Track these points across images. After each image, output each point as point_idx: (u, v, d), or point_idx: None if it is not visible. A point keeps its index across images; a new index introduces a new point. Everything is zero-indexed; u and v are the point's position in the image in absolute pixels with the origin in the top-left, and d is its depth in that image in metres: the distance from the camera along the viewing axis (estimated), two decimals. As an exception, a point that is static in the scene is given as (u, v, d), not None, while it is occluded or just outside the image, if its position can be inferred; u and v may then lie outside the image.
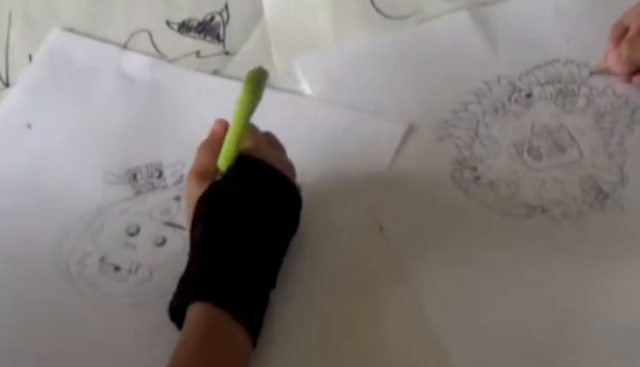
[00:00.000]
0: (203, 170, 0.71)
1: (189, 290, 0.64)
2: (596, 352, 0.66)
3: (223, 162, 0.70)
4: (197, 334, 0.62)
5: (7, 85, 0.85)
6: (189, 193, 0.70)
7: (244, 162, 0.70)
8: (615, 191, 0.74)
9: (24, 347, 0.68)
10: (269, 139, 0.73)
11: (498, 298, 0.69)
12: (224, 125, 0.73)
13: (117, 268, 0.72)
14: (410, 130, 0.79)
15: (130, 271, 0.72)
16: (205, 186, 0.69)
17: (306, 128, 0.75)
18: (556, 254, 0.72)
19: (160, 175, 0.78)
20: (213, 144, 0.72)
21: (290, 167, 0.72)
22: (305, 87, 0.83)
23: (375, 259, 0.72)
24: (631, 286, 0.69)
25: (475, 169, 0.77)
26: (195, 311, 0.63)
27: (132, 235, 0.74)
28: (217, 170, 0.70)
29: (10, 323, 0.69)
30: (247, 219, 0.67)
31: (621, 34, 0.79)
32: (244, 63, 0.86)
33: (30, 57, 0.86)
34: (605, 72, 0.80)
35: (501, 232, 0.73)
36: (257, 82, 0.69)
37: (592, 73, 0.80)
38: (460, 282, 0.70)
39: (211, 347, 0.61)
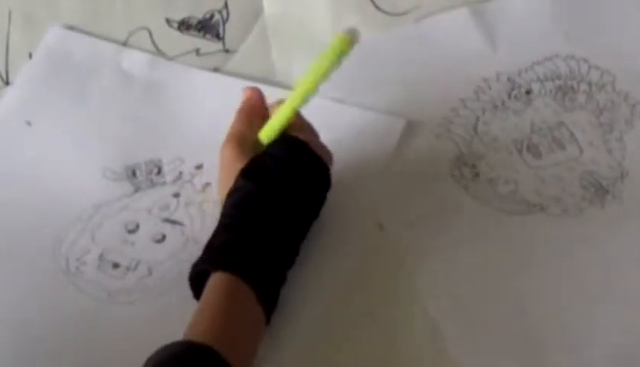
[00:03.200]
0: (242, 137, 0.71)
1: (213, 258, 0.65)
2: (597, 349, 0.66)
3: (269, 134, 0.70)
4: (216, 302, 0.63)
5: (7, 83, 0.85)
6: (226, 158, 0.71)
7: (288, 141, 0.70)
8: (615, 187, 0.74)
9: (22, 343, 0.68)
10: (307, 122, 0.73)
11: (498, 295, 0.69)
12: (257, 92, 0.73)
13: (116, 265, 0.72)
14: (409, 127, 0.79)
15: (129, 268, 0.72)
16: (243, 155, 0.69)
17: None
18: (556, 251, 0.71)
19: (159, 171, 0.78)
20: (250, 111, 0.73)
21: (328, 153, 0.73)
22: (305, 84, 0.83)
23: (374, 257, 0.72)
24: (632, 281, 0.69)
25: (474, 166, 0.77)
26: (216, 280, 0.64)
27: (131, 231, 0.74)
28: (257, 140, 0.71)
29: (9, 318, 0.69)
30: (281, 199, 0.67)
31: None
32: (243, 60, 0.87)
33: (30, 55, 0.86)
34: None
35: (500, 229, 0.73)
36: (342, 52, 0.66)
37: None
38: (460, 279, 0.70)
39: (229, 316, 0.62)
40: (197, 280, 0.65)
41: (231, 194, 0.68)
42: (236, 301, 0.63)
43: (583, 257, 0.71)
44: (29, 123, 0.82)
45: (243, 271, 0.64)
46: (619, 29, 0.71)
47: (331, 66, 0.66)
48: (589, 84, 0.80)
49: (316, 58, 0.67)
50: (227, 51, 0.87)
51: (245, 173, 0.68)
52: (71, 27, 0.88)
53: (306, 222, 0.70)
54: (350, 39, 0.65)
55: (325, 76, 0.67)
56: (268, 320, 0.65)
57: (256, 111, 0.73)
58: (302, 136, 0.71)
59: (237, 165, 0.69)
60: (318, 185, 0.71)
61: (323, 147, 0.72)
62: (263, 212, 0.67)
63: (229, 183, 0.69)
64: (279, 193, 0.68)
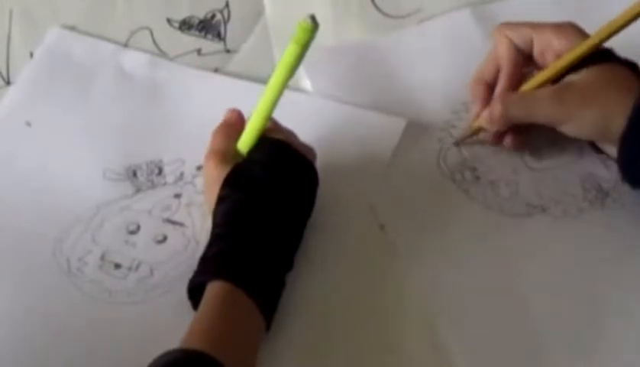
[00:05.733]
0: (221, 152, 0.71)
1: (208, 269, 0.65)
2: (598, 349, 0.67)
3: (246, 141, 0.70)
4: (213, 311, 0.63)
5: (8, 83, 0.85)
6: (209, 175, 0.71)
7: (266, 143, 0.70)
8: (615, 189, 0.74)
9: (23, 343, 0.68)
10: (282, 125, 0.73)
11: (499, 297, 0.69)
12: (237, 113, 0.74)
13: (117, 266, 0.72)
14: (410, 129, 0.79)
15: (130, 268, 0.72)
16: (225, 168, 0.69)
17: (306, 125, 0.75)
18: (557, 253, 0.72)
19: (160, 172, 0.78)
20: (228, 128, 0.73)
21: (310, 149, 0.73)
22: (307, 84, 0.83)
23: (375, 258, 0.72)
24: (632, 283, 0.69)
25: (475, 169, 0.77)
26: (212, 289, 0.64)
27: (132, 232, 0.74)
28: (236, 152, 0.71)
29: (9, 318, 0.69)
30: (269, 202, 0.67)
31: (484, 91, 0.77)
32: (244, 60, 0.87)
33: (31, 55, 0.86)
34: (476, 134, 0.78)
35: (501, 231, 0.73)
36: (305, 41, 0.66)
37: (458, 144, 0.78)
38: (460, 281, 0.70)
39: (226, 324, 0.62)
40: (196, 293, 0.65)
41: (217, 205, 0.68)
42: (232, 308, 0.63)
43: (583, 259, 0.71)
44: (29, 124, 0.81)
45: (237, 277, 0.64)
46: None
47: (296, 57, 0.66)
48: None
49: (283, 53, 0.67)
50: (228, 51, 0.87)
51: (228, 181, 0.68)
52: (72, 27, 0.88)
53: (299, 221, 0.70)
54: (311, 26, 0.65)
55: (293, 68, 0.67)
56: (268, 326, 0.65)
57: (234, 127, 0.73)
58: (280, 137, 0.71)
59: (221, 178, 0.69)
60: (305, 182, 0.71)
61: (303, 144, 0.72)
62: (252, 217, 0.67)
63: (215, 197, 0.69)
64: (265, 195, 0.68)
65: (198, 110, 0.82)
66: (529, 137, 0.77)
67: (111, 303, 0.70)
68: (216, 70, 0.86)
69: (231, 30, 0.88)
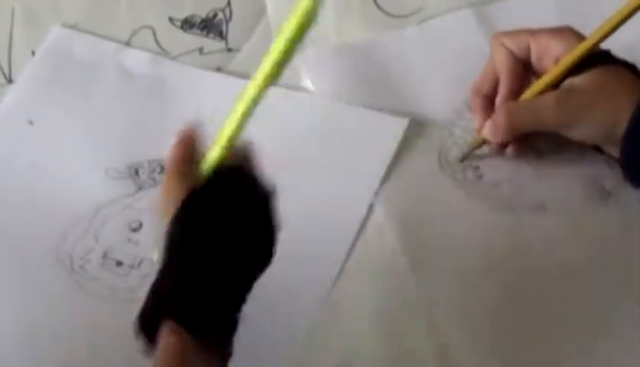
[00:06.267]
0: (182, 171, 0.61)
1: (170, 307, 0.58)
2: (599, 349, 0.67)
3: (216, 155, 0.61)
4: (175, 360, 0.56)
5: (9, 81, 0.85)
6: (169, 196, 0.61)
7: (231, 174, 0.61)
8: (619, 189, 0.74)
9: (26, 341, 0.68)
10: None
11: (501, 297, 0.69)
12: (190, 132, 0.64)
13: (119, 263, 0.72)
14: (412, 128, 0.79)
15: (132, 266, 0.72)
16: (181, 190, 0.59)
17: (307, 125, 0.75)
18: (559, 253, 0.72)
19: (162, 170, 0.78)
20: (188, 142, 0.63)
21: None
22: (308, 84, 0.83)
23: (374, 258, 0.72)
24: (634, 283, 0.69)
25: (477, 168, 0.77)
26: (170, 334, 0.57)
27: (134, 230, 0.74)
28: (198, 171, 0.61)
29: (13, 317, 0.69)
30: (219, 236, 0.59)
31: (484, 103, 0.76)
32: (246, 60, 0.86)
33: (34, 53, 0.86)
34: (480, 147, 0.77)
35: (503, 230, 0.73)
36: (298, 38, 0.53)
37: (464, 159, 0.77)
38: (461, 281, 0.70)
39: None
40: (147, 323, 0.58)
41: (167, 235, 0.59)
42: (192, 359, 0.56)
43: (585, 258, 0.71)
44: (31, 122, 0.82)
45: (199, 330, 0.56)
46: (624, 32, 0.71)
47: (285, 55, 0.53)
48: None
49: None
50: (230, 50, 0.87)
51: (180, 218, 0.58)
52: (74, 26, 0.88)
53: (254, 270, 0.60)
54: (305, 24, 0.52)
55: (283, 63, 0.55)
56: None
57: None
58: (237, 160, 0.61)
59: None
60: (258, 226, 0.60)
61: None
62: (201, 254, 0.58)
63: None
64: (218, 232, 0.58)
65: (200, 109, 0.82)
66: (531, 141, 0.77)
67: (114, 300, 0.70)
68: (218, 69, 0.86)
69: (233, 30, 0.89)
